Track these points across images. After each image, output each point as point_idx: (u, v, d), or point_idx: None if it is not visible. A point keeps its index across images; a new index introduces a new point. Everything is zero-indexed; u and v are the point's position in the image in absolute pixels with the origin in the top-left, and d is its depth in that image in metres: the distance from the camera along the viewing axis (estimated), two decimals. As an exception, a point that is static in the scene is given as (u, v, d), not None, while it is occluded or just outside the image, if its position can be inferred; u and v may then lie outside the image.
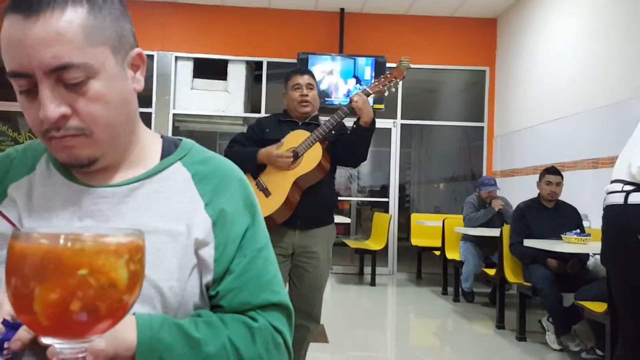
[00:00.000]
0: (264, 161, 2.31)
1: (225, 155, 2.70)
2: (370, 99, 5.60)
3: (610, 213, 2.10)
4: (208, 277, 0.78)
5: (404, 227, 6.91)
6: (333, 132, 2.35)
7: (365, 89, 2.33)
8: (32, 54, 0.66)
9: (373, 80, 2.42)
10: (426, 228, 5.89)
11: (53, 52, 0.66)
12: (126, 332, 0.66)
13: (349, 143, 2.32)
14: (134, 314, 0.69)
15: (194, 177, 0.81)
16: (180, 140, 0.87)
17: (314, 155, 2.27)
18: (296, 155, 2.28)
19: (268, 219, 2.28)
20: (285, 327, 0.80)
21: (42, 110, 0.68)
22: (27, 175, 0.80)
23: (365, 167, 9.38)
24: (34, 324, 0.48)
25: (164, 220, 0.76)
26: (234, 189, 0.83)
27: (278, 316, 0.79)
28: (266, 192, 2.29)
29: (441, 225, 5.31)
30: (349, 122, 2.36)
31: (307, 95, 2.38)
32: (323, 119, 2.43)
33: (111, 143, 0.75)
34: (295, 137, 2.32)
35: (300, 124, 2.42)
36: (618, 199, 2.03)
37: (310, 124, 2.41)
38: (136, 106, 0.80)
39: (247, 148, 2.35)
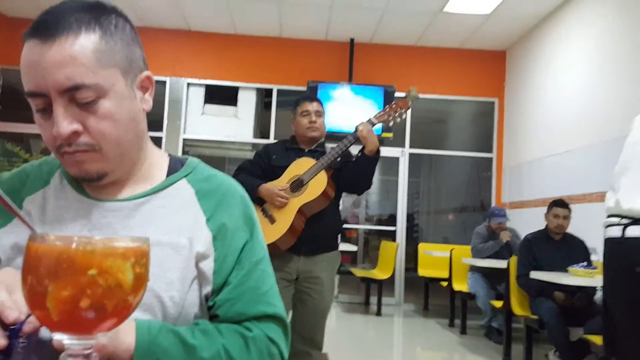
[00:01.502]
0: (264, 198, 2.36)
1: None
2: (379, 128, 5.73)
3: (609, 246, 2.14)
4: (207, 289, 0.82)
5: (412, 257, 6.89)
6: (338, 159, 2.41)
7: (370, 119, 2.40)
8: (47, 76, 0.73)
9: (379, 110, 2.49)
10: (434, 258, 5.88)
11: (66, 73, 0.73)
12: (126, 334, 0.71)
13: (354, 171, 2.38)
14: (134, 320, 0.73)
15: (198, 193, 0.87)
16: (187, 158, 0.93)
17: (319, 183, 2.32)
18: (301, 183, 2.34)
19: (273, 246, 2.32)
20: (281, 339, 0.83)
21: (56, 127, 0.74)
22: (41, 189, 0.86)
23: (373, 195, 9.41)
24: (46, 319, 0.53)
25: (167, 234, 0.81)
26: (235, 205, 0.88)
27: (273, 327, 0.83)
28: (271, 219, 2.34)
29: (449, 255, 5.31)
30: (355, 150, 2.42)
31: (315, 122, 2.45)
32: (329, 146, 2.49)
33: (119, 159, 0.81)
34: (301, 165, 2.38)
35: (306, 151, 2.48)
36: (616, 232, 2.07)
37: (316, 151, 2.47)
38: (145, 125, 0.86)
39: (251, 179, 2.40)
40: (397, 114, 2.44)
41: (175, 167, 0.90)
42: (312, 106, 2.47)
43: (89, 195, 0.84)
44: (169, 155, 0.93)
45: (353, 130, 2.38)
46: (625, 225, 2.00)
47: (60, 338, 0.54)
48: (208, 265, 0.82)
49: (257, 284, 0.84)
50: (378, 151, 2.35)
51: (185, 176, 0.88)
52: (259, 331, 0.81)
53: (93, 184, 0.82)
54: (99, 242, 0.53)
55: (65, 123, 0.74)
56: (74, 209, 0.83)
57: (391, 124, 2.47)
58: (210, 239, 0.83)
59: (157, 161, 0.90)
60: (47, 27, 0.73)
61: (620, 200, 2.04)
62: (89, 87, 0.74)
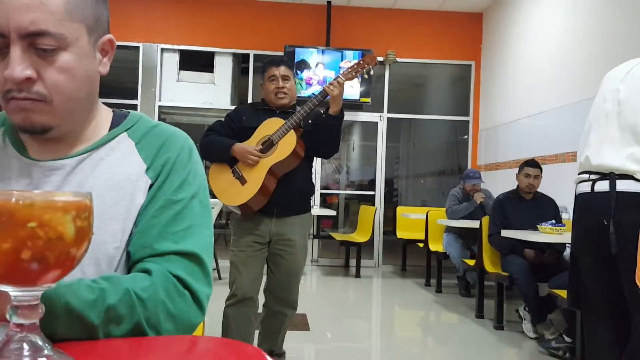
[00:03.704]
0: (236, 156, 2.37)
1: (200, 144, 2.71)
2: (357, 92, 5.73)
3: (579, 201, 2.20)
4: None
5: (391, 221, 7.00)
6: (310, 121, 2.42)
7: (339, 77, 2.40)
8: (11, 16, 0.72)
9: (346, 68, 2.48)
10: (411, 221, 5.99)
11: (32, 17, 0.72)
12: None
13: (320, 132, 2.40)
14: None
15: (138, 144, 0.87)
16: (129, 112, 0.93)
17: (289, 143, 2.34)
18: (271, 143, 2.36)
19: (245, 206, 2.35)
20: (190, 277, 0.80)
21: (9, 70, 0.73)
22: None
23: (354, 161, 9.44)
24: (-11, 271, 0.55)
25: (107, 186, 0.82)
26: (175, 148, 0.88)
27: (180, 265, 0.80)
28: (242, 180, 2.36)
29: (425, 218, 5.40)
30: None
31: (282, 88, 2.44)
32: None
33: (67, 115, 0.81)
34: (270, 125, 2.39)
35: (277, 112, 2.49)
36: (585, 187, 2.13)
37: (287, 112, 2.47)
38: (97, 87, 0.87)
39: (223, 138, 2.41)
40: (364, 70, 2.44)
41: (118, 121, 0.90)
42: (279, 70, 2.45)
43: (30, 156, 0.84)
44: (113, 110, 0.93)
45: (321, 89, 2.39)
46: (594, 181, 2.06)
47: (6, 289, 0.56)
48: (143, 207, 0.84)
49: (170, 220, 0.83)
50: (342, 111, 2.38)
51: (126, 130, 0.89)
52: (162, 269, 0.79)
53: (35, 136, 0.82)
54: (38, 196, 0.54)
55: (20, 67, 0.73)
56: (17, 168, 0.83)
57: (358, 80, 2.49)
58: (149, 187, 0.85)
59: (102, 119, 0.90)
60: None
61: (590, 156, 2.09)
62: (52, 36, 0.74)
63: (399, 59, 6.53)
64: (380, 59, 6.30)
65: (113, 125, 0.90)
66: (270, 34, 6.50)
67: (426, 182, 9.20)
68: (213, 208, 4.98)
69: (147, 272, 0.78)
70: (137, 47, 6.33)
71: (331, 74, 6.35)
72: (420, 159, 9.30)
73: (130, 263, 0.82)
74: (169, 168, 0.86)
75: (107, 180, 0.83)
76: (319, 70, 6.37)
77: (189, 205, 0.85)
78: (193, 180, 0.88)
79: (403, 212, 6.22)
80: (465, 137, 6.87)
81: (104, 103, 0.93)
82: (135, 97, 6.36)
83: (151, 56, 6.39)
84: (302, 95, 6.18)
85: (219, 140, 2.40)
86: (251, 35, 6.51)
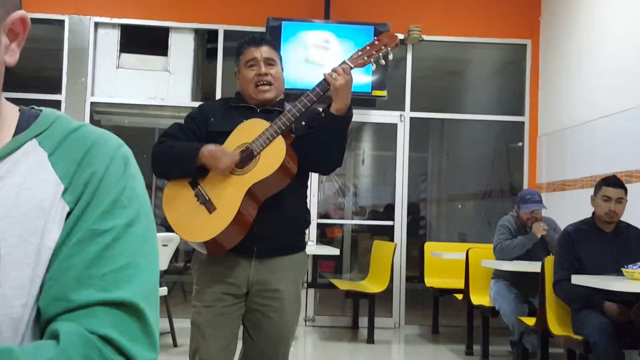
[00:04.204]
0: (206, 162, 2.35)
1: (152, 155, 2.69)
2: (369, 83, 5.74)
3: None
4: None
5: (417, 263, 6.98)
6: (303, 123, 2.42)
7: (345, 63, 2.40)
8: None
9: (356, 51, 2.50)
10: (445, 262, 5.98)
11: None
12: None
13: (318, 138, 2.40)
14: None
15: (52, 156, 0.86)
16: (41, 111, 0.92)
17: (275, 154, 2.32)
18: (251, 155, 2.35)
19: (213, 243, 2.33)
20: (123, 337, 0.79)
21: None
22: None
23: (364, 178, 9.46)
24: None
25: (9, 217, 0.81)
26: (106, 157, 0.87)
27: (108, 320, 0.79)
28: (210, 206, 2.34)
29: (464, 258, 5.39)
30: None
31: (266, 75, 2.44)
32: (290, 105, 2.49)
33: None
34: (250, 129, 2.38)
35: (258, 111, 2.49)
36: None
37: (272, 111, 2.48)
38: (1, 82, 0.85)
39: (185, 143, 2.41)
40: (380, 53, 2.44)
41: (25, 124, 0.89)
42: (260, 52, 2.46)
43: None
44: (20, 109, 0.92)
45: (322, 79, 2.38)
46: None
47: None
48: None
49: (94, 258, 0.81)
50: (349, 110, 2.37)
51: (35, 136, 0.87)
52: (78, 329, 0.77)
53: None
54: None
55: None
56: None
57: (373, 67, 2.49)
58: (66, 216, 0.83)
59: (5, 122, 0.89)
60: None
61: None
62: None
63: (425, 37, 6.59)
64: (400, 36, 6.34)
65: (19, 130, 0.88)
66: (247, 3, 6.55)
67: (465, 207, 9.22)
68: (166, 245, 4.96)
69: (58, 332, 0.76)
70: (62, 21, 6.36)
71: (339, 59, 6.39)
72: (456, 175, 9.32)
73: (42, 324, 0.80)
74: (94, 187, 0.84)
75: (9, 208, 0.81)
76: (316, 53, 6.41)
77: (122, 236, 0.84)
78: (129, 202, 0.86)
79: (433, 251, 6.21)
80: (520, 144, 6.89)
81: (12, 100, 0.92)
82: (58, 90, 6.37)
83: (81, 34, 6.42)
84: (292, 87, 6.21)
85: (180, 146, 2.39)
86: (221, 5, 6.56)
